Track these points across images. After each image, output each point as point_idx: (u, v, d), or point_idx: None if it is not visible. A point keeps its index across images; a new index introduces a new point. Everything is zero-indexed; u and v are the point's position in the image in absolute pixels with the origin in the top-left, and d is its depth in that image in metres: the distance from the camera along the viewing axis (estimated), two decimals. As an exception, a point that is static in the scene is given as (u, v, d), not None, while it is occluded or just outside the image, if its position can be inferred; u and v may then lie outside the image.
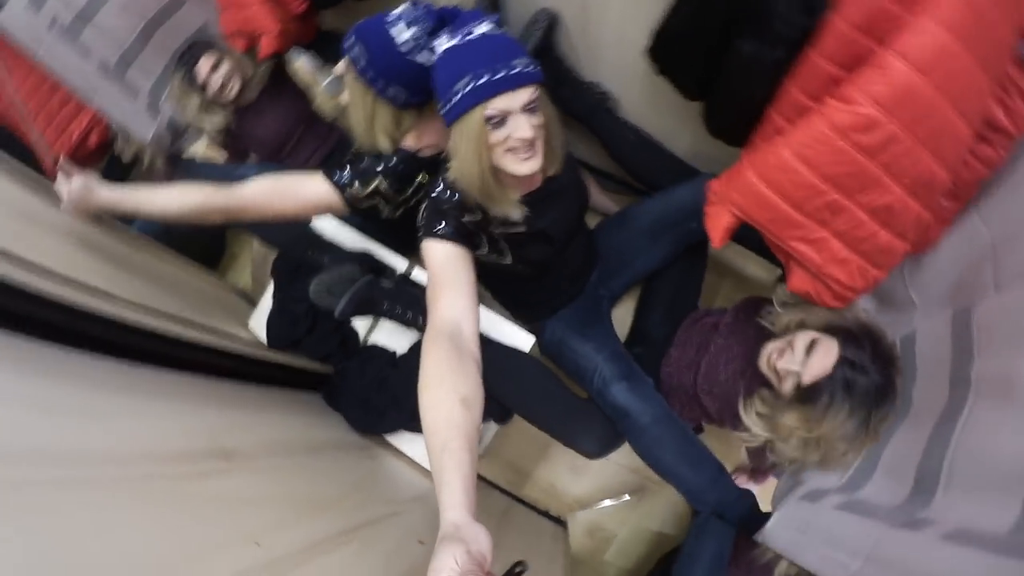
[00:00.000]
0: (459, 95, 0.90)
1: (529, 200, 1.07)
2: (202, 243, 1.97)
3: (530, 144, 0.93)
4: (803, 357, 1.06)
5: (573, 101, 1.48)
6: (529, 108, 0.91)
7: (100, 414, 0.75)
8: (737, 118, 1.10)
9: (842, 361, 1.02)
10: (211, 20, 1.69)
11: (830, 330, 1.08)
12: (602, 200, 1.71)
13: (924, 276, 1.03)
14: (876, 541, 0.74)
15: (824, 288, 1.05)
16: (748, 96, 1.03)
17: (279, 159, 1.75)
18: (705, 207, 1.10)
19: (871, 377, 1.01)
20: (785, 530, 0.95)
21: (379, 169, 1.15)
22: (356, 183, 1.14)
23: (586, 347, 1.36)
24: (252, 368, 1.24)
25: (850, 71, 0.84)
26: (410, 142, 1.16)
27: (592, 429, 1.33)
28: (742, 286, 1.75)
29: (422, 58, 1.04)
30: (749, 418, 1.13)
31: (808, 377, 1.05)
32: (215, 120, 1.67)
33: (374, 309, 1.37)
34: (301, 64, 1.77)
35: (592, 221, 1.49)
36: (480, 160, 0.95)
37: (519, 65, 0.90)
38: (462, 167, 0.97)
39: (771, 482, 1.54)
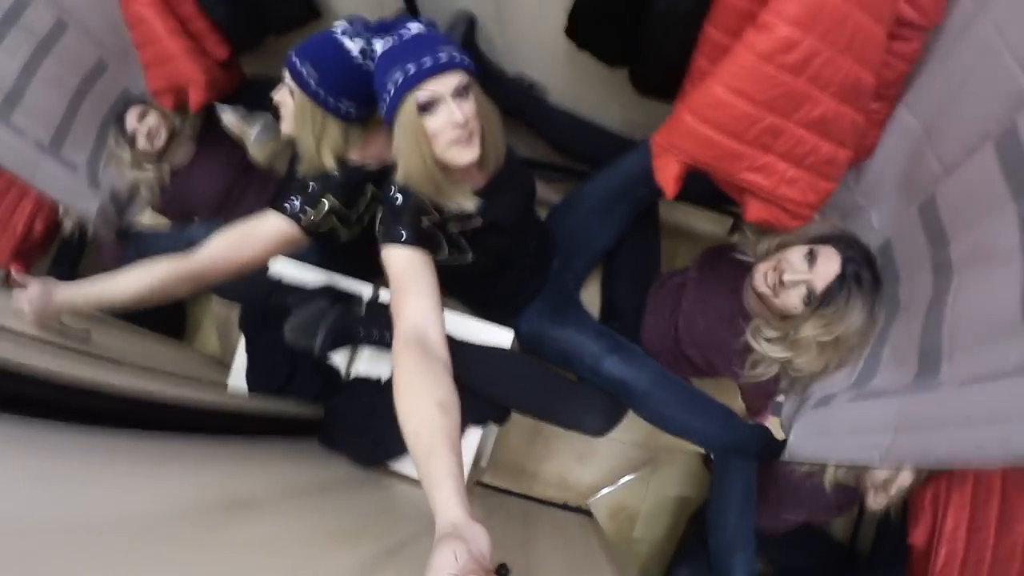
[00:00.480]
0: (392, 88, 0.94)
1: (479, 194, 1.09)
2: (160, 319, 1.89)
3: (466, 130, 0.97)
4: (805, 267, 1.10)
5: (502, 97, 1.50)
6: (459, 94, 0.96)
7: (102, 482, 0.70)
8: (665, 72, 1.15)
9: (845, 259, 1.07)
10: (133, 84, 1.68)
11: (815, 240, 1.13)
12: (544, 191, 1.74)
13: (868, 179, 1.10)
14: (898, 411, 0.76)
15: (781, 211, 1.09)
16: (671, 48, 1.08)
17: (224, 214, 1.71)
18: (652, 161, 1.14)
19: (868, 272, 1.07)
20: (808, 439, 0.97)
21: (327, 187, 1.14)
22: (309, 208, 1.13)
23: (566, 332, 1.38)
24: (245, 423, 1.19)
25: (762, 2, 0.90)
26: (355, 155, 1.18)
27: (593, 407, 1.33)
28: (698, 243, 1.80)
29: (368, 67, 1.07)
30: (761, 346, 1.16)
31: (821, 282, 1.08)
32: (148, 176, 1.63)
33: (351, 338, 1.34)
34: (228, 118, 1.75)
35: (540, 213, 1.51)
36: (422, 152, 0.98)
37: (444, 52, 0.95)
38: (408, 165, 1.00)
39: (771, 420, 1.58)
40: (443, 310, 0.98)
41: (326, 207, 1.14)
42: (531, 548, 1.13)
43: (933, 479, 1.04)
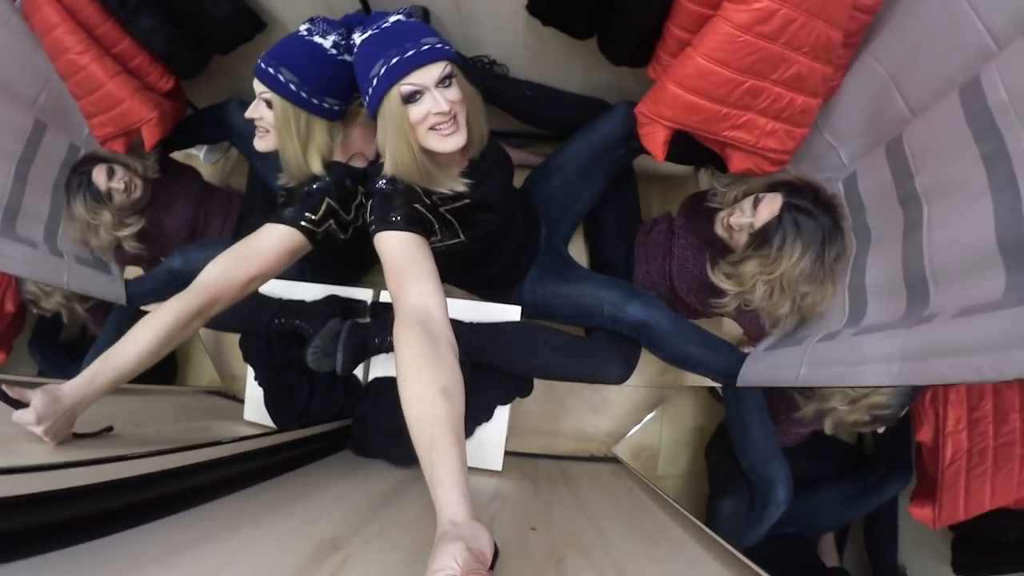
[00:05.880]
0: (376, 80, 0.95)
1: (464, 175, 1.12)
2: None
3: (450, 118, 0.98)
4: (752, 210, 1.20)
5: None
6: (443, 83, 0.97)
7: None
8: (638, 43, 1.17)
9: (787, 206, 1.16)
10: (76, 139, 1.55)
11: (772, 187, 1.21)
12: (521, 156, 1.76)
13: (835, 119, 1.18)
14: (902, 343, 0.85)
15: (762, 159, 1.17)
16: (646, 20, 1.10)
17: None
18: (639, 129, 1.18)
19: (819, 220, 1.14)
20: (818, 369, 1.07)
21: (321, 188, 1.13)
22: (307, 212, 1.11)
23: (580, 287, 1.44)
24: (282, 456, 1.20)
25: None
26: (339, 155, 1.17)
27: (611, 357, 1.40)
28: (667, 185, 1.88)
29: (346, 59, 1.08)
30: (718, 280, 1.25)
31: (759, 221, 1.18)
32: (132, 229, 1.54)
33: (369, 349, 1.36)
34: None
35: (519, 176, 1.52)
36: (408, 142, 0.99)
37: (428, 43, 0.95)
38: (395, 155, 1.01)
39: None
40: (444, 292, 0.96)
41: (323, 209, 1.12)
42: (585, 506, 1.20)
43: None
